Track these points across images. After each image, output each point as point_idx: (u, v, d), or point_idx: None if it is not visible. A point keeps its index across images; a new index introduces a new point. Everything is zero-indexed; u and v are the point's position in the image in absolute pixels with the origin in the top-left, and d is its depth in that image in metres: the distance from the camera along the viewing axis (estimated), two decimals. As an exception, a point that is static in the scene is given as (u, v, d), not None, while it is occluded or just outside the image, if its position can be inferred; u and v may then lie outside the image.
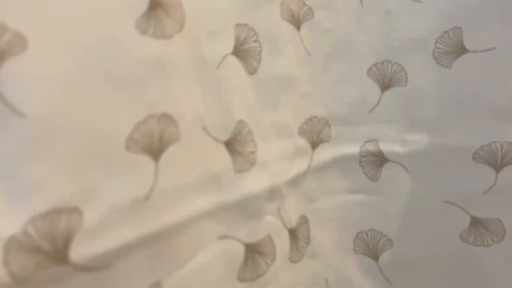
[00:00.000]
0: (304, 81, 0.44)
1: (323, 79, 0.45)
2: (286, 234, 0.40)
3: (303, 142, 0.44)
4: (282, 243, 0.39)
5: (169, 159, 0.30)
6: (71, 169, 0.25)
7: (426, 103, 0.44)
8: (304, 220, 0.43)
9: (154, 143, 0.30)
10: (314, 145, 0.45)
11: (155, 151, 0.30)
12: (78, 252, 0.25)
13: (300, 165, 0.43)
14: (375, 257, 0.47)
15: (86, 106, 0.26)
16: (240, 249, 0.36)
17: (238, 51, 0.38)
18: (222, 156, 0.36)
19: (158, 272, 0.30)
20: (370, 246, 0.47)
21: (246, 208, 0.37)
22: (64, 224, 0.25)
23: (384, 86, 0.45)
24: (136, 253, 0.28)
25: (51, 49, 0.25)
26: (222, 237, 0.35)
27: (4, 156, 0.23)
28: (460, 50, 0.42)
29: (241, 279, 0.36)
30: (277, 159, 0.40)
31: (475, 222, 0.44)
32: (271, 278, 0.38)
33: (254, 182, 0.37)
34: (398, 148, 0.45)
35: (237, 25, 0.38)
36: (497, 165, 0.42)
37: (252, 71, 0.39)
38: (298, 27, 0.44)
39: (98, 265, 0.26)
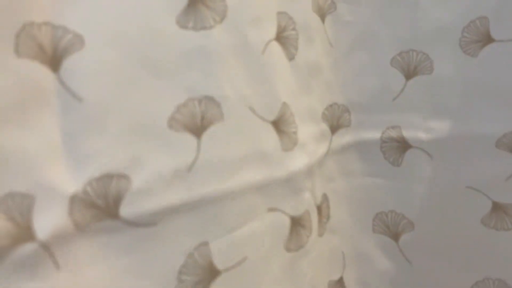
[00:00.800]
0: (327, 70, 0.46)
1: (344, 69, 0.47)
2: (315, 210, 0.43)
3: (324, 126, 0.46)
4: (314, 218, 0.42)
5: (212, 136, 0.34)
6: (120, 144, 0.30)
7: (451, 91, 0.45)
8: (325, 198, 0.46)
9: (196, 122, 0.33)
10: (334, 129, 0.47)
11: (197, 130, 0.33)
12: (127, 209, 0.30)
13: (323, 147, 0.46)
14: (395, 237, 0.49)
15: (131, 92, 0.31)
16: (286, 222, 0.39)
17: (280, 38, 0.40)
18: (271, 135, 0.38)
19: (206, 234, 0.33)
20: (390, 227, 0.49)
21: (291, 184, 0.39)
22: (115, 187, 0.29)
23: (409, 75, 0.46)
24: (182, 215, 0.32)
25: (104, 45, 0.30)
26: (271, 210, 0.38)
27: (67, 132, 0.28)
28: (487, 39, 0.42)
29: (287, 249, 0.39)
30: (310, 140, 0.43)
31: (496, 207, 0.45)
32: (309, 249, 0.41)
33: (297, 161, 0.40)
34: (422, 135, 0.46)
35: (278, 13, 0.40)
36: (520, 152, 0.43)
37: (291, 57, 0.41)
38: (323, 19, 0.45)
39: (145, 222, 0.30)
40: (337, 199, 0.48)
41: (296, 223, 0.40)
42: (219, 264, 0.33)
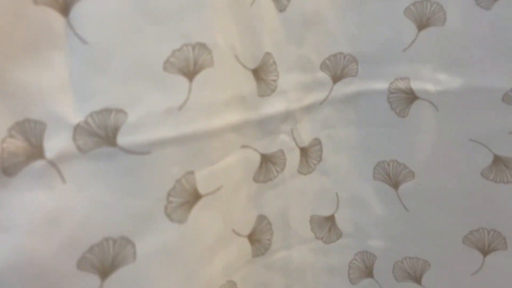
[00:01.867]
0: (333, 20, 0.47)
1: (354, 19, 0.47)
2: (297, 151, 0.48)
3: (323, 76, 0.48)
4: (293, 158, 0.48)
5: (202, 79, 0.37)
6: (119, 83, 0.34)
7: (461, 43, 0.44)
8: (317, 142, 0.50)
9: (189, 66, 0.36)
10: (336, 79, 0.49)
11: (190, 73, 0.36)
12: (123, 139, 0.34)
13: (318, 95, 0.49)
14: (395, 186, 0.50)
15: (132, 37, 0.34)
16: (257, 157, 0.45)
17: None
18: (249, 82, 0.42)
19: (192, 164, 0.38)
20: (391, 176, 0.50)
21: (264, 126, 0.44)
22: (113, 119, 0.34)
23: (421, 25, 0.46)
24: (172, 146, 0.36)
25: None
26: (244, 146, 0.43)
27: (73, 70, 0.32)
28: (501, -8, 0.42)
29: (255, 180, 0.45)
30: (295, 88, 0.46)
31: (497, 160, 0.46)
32: (278, 183, 0.47)
33: (272, 106, 0.44)
34: (430, 87, 0.47)
35: None
36: (525, 107, 0.44)
37: (281, 9, 0.44)
38: None
39: (139, 150, 0.35)
40: (335, 144, 0.50)
41: (267, 159, 0.45)
42: (201, 189, 0.39)
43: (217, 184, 0.40)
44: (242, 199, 0.43)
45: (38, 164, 0.31)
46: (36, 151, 0.31)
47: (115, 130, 0.34)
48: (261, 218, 0.46)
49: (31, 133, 0.31)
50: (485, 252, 0.48)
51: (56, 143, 0.32)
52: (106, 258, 0.34)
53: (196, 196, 0.38)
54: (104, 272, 0.34)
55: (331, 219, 0.51)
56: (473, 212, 0.48)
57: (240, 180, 0.43)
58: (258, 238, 0.46)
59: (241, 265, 0.44)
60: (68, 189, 0.32)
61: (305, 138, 0.49)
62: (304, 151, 0.49)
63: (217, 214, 0.40)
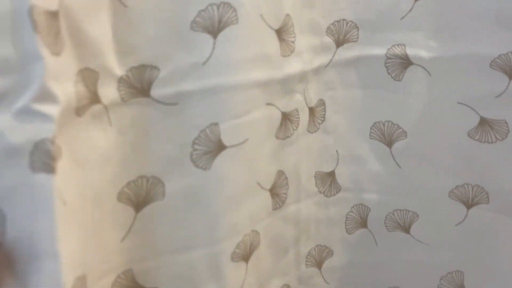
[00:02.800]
0: None
1: None
2: (307, 110, 0.51)
3: (328, 40, 0.51)
4: (304, 116, 0.50)
5: (226, 36, 0.40)
6: (153, 42, 0.38)
7: (455, 13, 0.48)
8: (322, 103, 0.53)
9: (213, 24, 0.39)
10: (339, 43, 0.52)
11: (214, 31, 0.39)
12: (155, 91, 0.39)
13: (324, 58, 0.52)
14: (389, 144, 0.54)
15: (163, 1, 0.38)
16: (278, 115, 0.47)
17: None
18: (274, 41, 0.44)
19: (216, 116, 0.41)
20: (386, 135, 0.54)
21: (285, 85, 0.47)
22: (148, 74, 0.38)
23: None
24: (197, 98, 0.40)
25: None
26: (268, 104, 0.45)
27: (116, 30, 0.37)
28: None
29: (277, 136, 0.47)
30: (307, 50, 0.49)
31: (483, 122, 0.50)
32: (294, 139, 0.49)
33: (292, 66, 0.47)
34: (424, 53, 0.50)
35: None
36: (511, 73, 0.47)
37: None
38: None
39: (168, 101, 0.40)
40: (336, 105, 0.53)
41: (286, 117, 0.48)
42: (225, 141, 0.41)
43: (242, 138, 0.42)
44: (266, 154, 0.46)
45: (97, 108, 0.36)
46: (94, 97, 0.35)
47: (149, 84, 0.39)
48: (280, 173, 0.49)
49: (89, 80, 0.35)
50: (468, 205, 0.53)
51: (106, 91, 0.36)
52: (140, 193, 0.39)
53: (220, 146, 0.41)
54: (138, 205, 0.39)
55: (331, 174, 0.55)
56: (459, 169, 0.52)
57: (264, 136, 0.45)
58: (277, 192, 0.49)
59: (263, 216, 0.47)
60: (113, 131, 0.37)
61: (313, 98, 0.52)
62: (311, 111, 0.52)
63: (242, 166, 0.43)
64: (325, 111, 0.53)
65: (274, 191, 0.48)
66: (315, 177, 0.54)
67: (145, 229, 0.39)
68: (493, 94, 0.49)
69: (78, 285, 0.32)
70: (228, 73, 0.40)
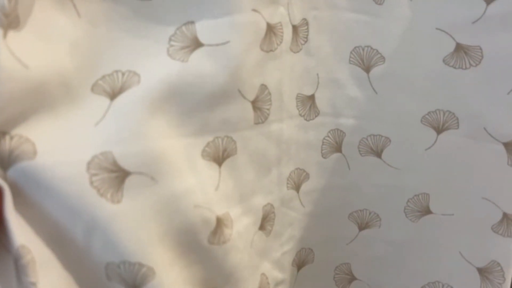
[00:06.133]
0: None
1: None
2: (290, 27, 0.50)
3: None
4: (287, 33, 0.50)
5: None
6: None
7: None
8: (305, 22, 0.53)
9: None
10: None
11: None
12: None
13: None
14: (367, 70, 0.55)
15: None
16: (263, 25, 0.46)
17: None
18: None
19: (192, 15, 0.41)
20: (364, 60, 0.55)
21: None
22: None
23: None
24: None
25: None
26: (254, 10, 0.44)
27: None
28: None
29: (261, 47, 0.46)
30: None
31: (459, 48, 0.51)
32: (278, 54, 0.49)
33: None
34: None
35: None
36: (489, -2, 0.48)
37: None
38: None
39: None
40: (319, 26, 0.53)
41: (270, 29, 0.47)
42: (202, 39, 0.42)
43: (221, 39, 0.42)
44: (249, 63, 0.45)
45: None
46: None
47: None
48: (263, 88, 0.49)
49: None
50: (439, 130, 0.55)
51: None
52: (115, 86, 0.39)
53: (197, 43, 0.42)
54: (114, 95, 0.39)
55: (311, 98, 0.56)
56: (432, 95, 0.54)
57: (249, 43, 0.45)
58: (259, 107, 0.49)
59: (242, 127, 0.47)
60: (83, 22, 0.37)
61: (297, 16, 0.51)
62: (295, 29, 0.51)
63: (222, 67, 0.42)
64: (308, 31, 0.53)
65: (256, 105, 0.48)
66: (296, 99, 0.54)
67: (119, 116, 0.38)
68: (470, 19, 0.50)
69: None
70: None
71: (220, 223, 0.43)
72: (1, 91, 0.32)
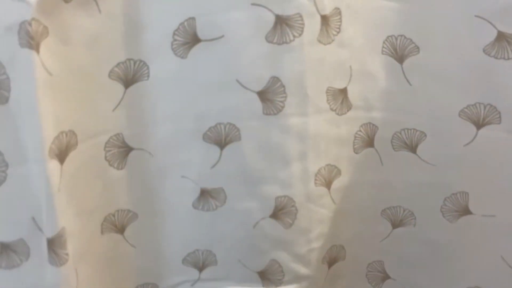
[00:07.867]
0: None
1: None
2: (318, 18, 0.48)
3: None
4: (312, 24, 0.48)
5: None
6: None
7: None
8: (337, 12, 0.50)
9: None
10: None
11: None
12: None
13: None
14: (400, 60, 0.52)
15: None
16: (270, 17, 0.47)
17: None
18: None
19: (194, 11, 0.46)
20: (398, 50, 0.52)
21: None
22: None
23: None
24: None
25: None
26: (254, 4, 0.46)
27: None
28: None
29: (268, 40, 0.48)
30: None
31: (500, 37, 0.47)
32: (296, 47, 0.48)
33: None
34: None
35: None
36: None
37: None
38: None
39: None
40: (351, 16, 0.51)
41: (282, 21, 0.47)
42: (200, 35, 0.47)
43: (217, 33, 0.46)
44: (250, 55, 0.48)
45: None
46: None
47: None
48: (275, 80, 0.49)
49: None
50: (479, 125, 0.51)
51: None
52: (128, 73, 0.46)
53: (195, 39, 0.47)
54: (127, 83, 0.47)
55: (344, 91, 0.54)
56: (472, 87, 0.50)
57: (248, 37, 0.47)
58: (270, 98, 0.49)
59: (247, 116, 0.50)
60: (102, 17, 0.43)
61: (327, 6, 0.49)
62: (324, 19, 0.49)
63: (217, 60, 0.47)
64: (340, 21, 0.51)
65: (265, 96, 0.49)
66: (326, 93, 0.52)
67: (133, 103, 0.47)
68: (513, 6, 0.46)
69: (62, 137, 0.42)
70: None
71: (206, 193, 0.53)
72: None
